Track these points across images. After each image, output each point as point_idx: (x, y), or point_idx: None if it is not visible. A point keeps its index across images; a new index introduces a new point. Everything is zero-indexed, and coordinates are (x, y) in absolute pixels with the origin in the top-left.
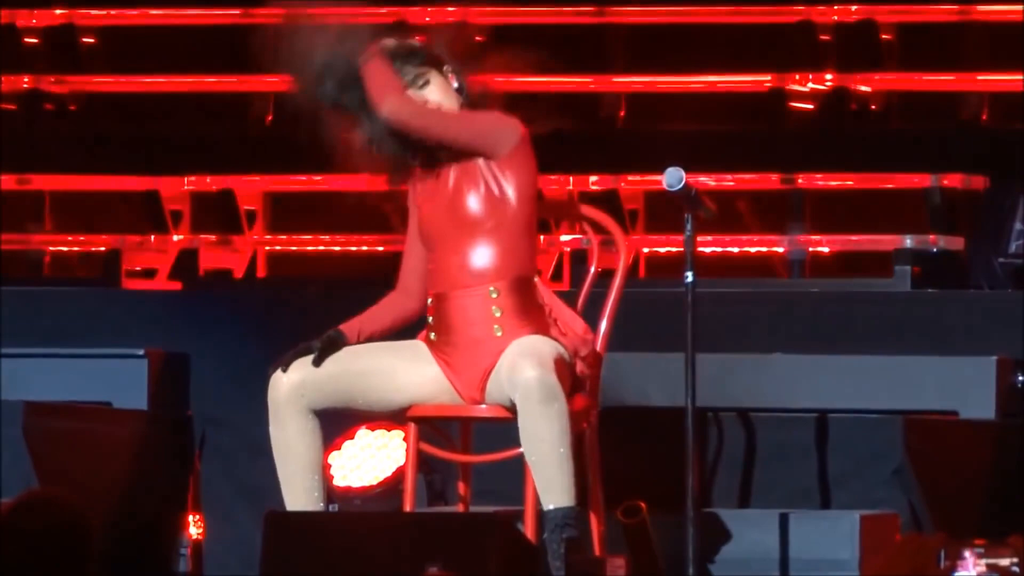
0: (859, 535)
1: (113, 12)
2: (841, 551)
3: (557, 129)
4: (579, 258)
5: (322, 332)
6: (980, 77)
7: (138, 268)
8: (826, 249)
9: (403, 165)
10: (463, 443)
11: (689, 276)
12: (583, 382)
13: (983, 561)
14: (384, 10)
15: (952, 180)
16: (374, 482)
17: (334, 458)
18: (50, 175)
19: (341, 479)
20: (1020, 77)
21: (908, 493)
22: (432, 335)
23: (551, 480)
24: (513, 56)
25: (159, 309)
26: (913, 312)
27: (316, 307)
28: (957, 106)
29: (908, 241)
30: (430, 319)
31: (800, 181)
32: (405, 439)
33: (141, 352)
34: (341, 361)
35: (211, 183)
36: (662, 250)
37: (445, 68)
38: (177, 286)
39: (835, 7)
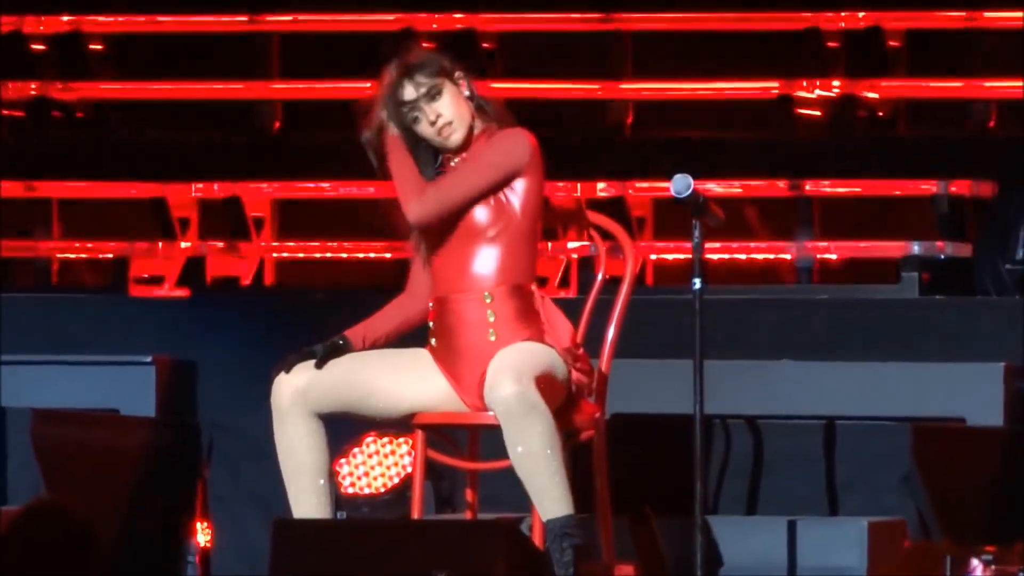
0: (867, 542)
1: (120, 19)
2: (849, 558)
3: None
4: (587, 265)
5: (329, 339)
6: (987, 84)
7: (146, 275)
8: (834, 256)
9: None
10: (470, 450)
11: (697, 283)
12: (581, 389)
13: (991, 568)
14: (392, 17)
15: (959, 187)
16: (382, 489)
17: (342, 465)
18: (58, 182)
19: (349, 486)
20: None
21: (916, 500)
22: (433, 340)
23: (544, 492)
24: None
25: (167, 316)
26: (921, 319)
27: (323, 314)
28: (965, 113)
29: (916, 248)
30: (431, 324)
31: (808, 188)
32: (412, 446)
33: (149, 359)
34: (344, 366)
35: (218, 190)
36: (670, 257)
37: (456, 75)
38: (185, 293)
39: (843, 14)
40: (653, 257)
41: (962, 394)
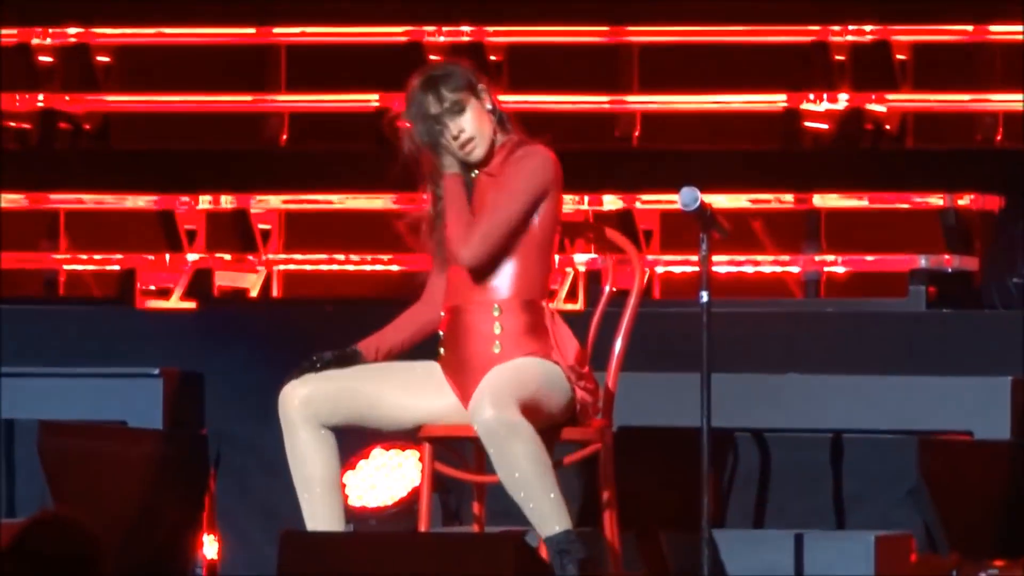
0: (874, 556)
1: (128, 31)
2: (856, 572)
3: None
4: (594, 278)
5: (340, 350)
6: (994, 97)
7: (153, 287)
8: (841, 269)
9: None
10: (477, 463)
11: (704, 296)
12: (586, 408)
13: None
14: (400, 29)
15: (966, 200)
16: (389, 502)
17: (349, 477)
18: (65, 194)
19: (356, 499)
20: None
21: (923, 514)
22: (441, 349)
23: (538, 510)
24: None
25: (174, 328)
26: (927, 332)
27: (331, 326)
28: (971, 126)
29: (923, 261)
30: (441, 333)
31: (815, 201)
32: (420, 459)
33: (156, 371)
34: (353, 377)
35: (226, 202)
36: (677, 270)
37: (480, 88)
38: (192, 305)
39: (850, 27)
40: (660, 270)
41: (969, 408)
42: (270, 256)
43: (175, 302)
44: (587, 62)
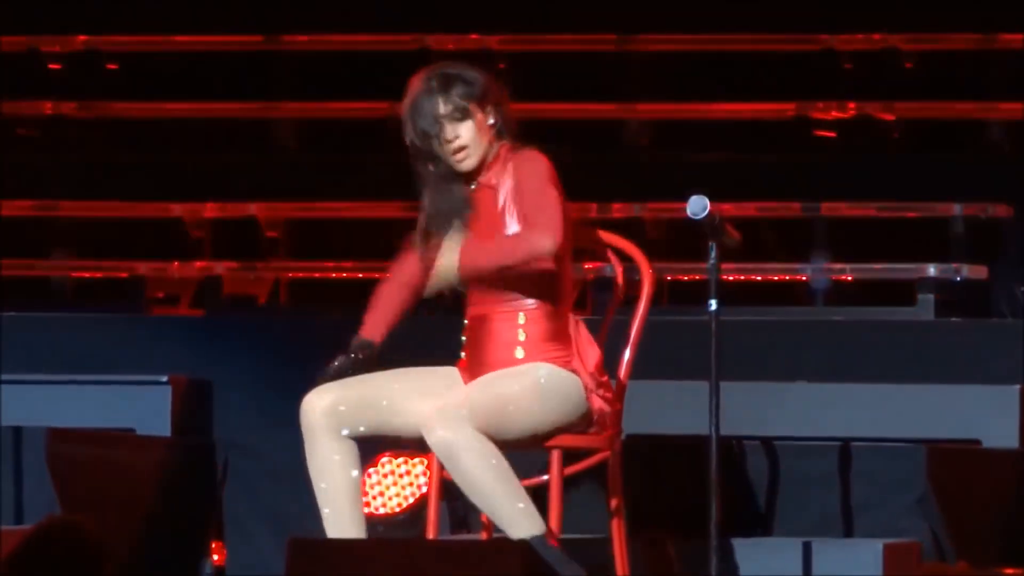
0: (882, 563)
1: (136, 39)
2: None
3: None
4: (603, 286)
5: (350, 346)
6: (1003, 106)
7: (161, 295)
8: (849, 277)
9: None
10: None
11: (713, 304)
12: (604, 417)
13: None
14: (408, 37)
15: (975, 209)
16: (396, 509)
17: None
18: (73, 201)
19: (363, 506)
20: None
21: (931, 522)
22: (463, 353)
23: (505, 518)
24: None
25: (182, 336)
26: (936, 340)
27: (339, 334)
28: (980, 135)
29: (931, 270)
30: (464, 338)
31: (823, 209)
32: (428, 467)
33: (164, 378)
34: (374, 384)
35: (234, 210)
36: (686, 278)
37: (488, 100)
38: (200, 313)
39: (858, 36)
40: (669, 278)
41: (977, 416)
42: (278, 264)
43: (183, 309)
44: (595, 70)
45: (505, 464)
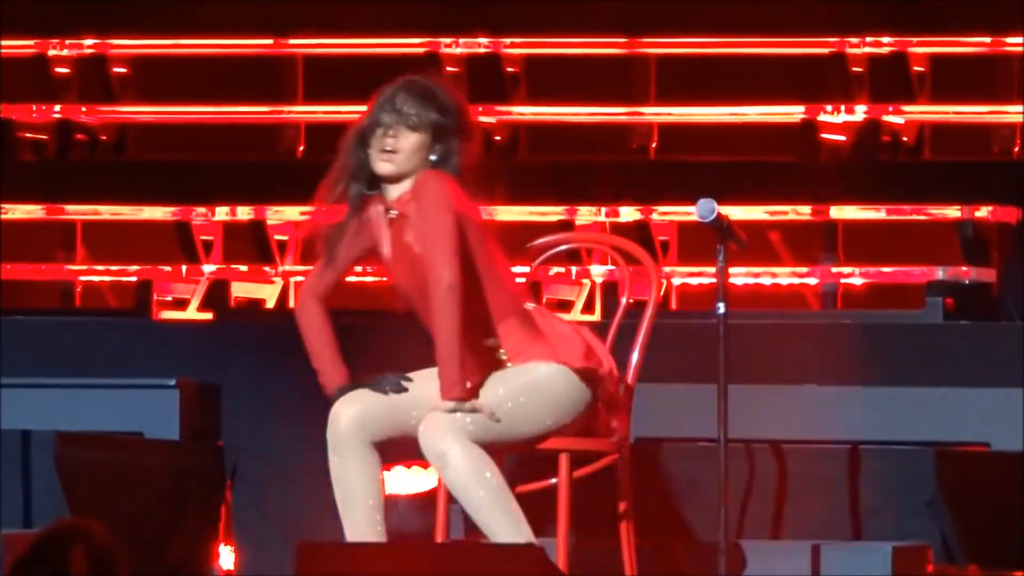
0: (891, 567)
1: (144, 42)
2: None
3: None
4: (611, 289)
5: (353, 362)
6: (1012, 109)
7: (169, 298)
8: (858, 281)
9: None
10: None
11: (721, 307)
12: (615, 400)
13: None
14: (417, 40)
15: (984, 212)
16: (419, 491)
17: None
18: (81, 205)
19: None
20: None
21: (940, 525)
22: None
23: (491, 529)
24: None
25: (190, 339)
26: (945, 344)
27: (348, 337)
28: (989, 138)
29: (940, 273)
30: None
31: (832, 213)
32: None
33: (173, 382)
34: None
35: (243, 213)
36: (694, 281)
37: (441, 143)
38: (209, 316)
39: (867, 39)
40: (677, 282)
41: (986, 419)
42: (287, 267)
43: (192, 313)
44: (604, 73)
45: (496, 478)
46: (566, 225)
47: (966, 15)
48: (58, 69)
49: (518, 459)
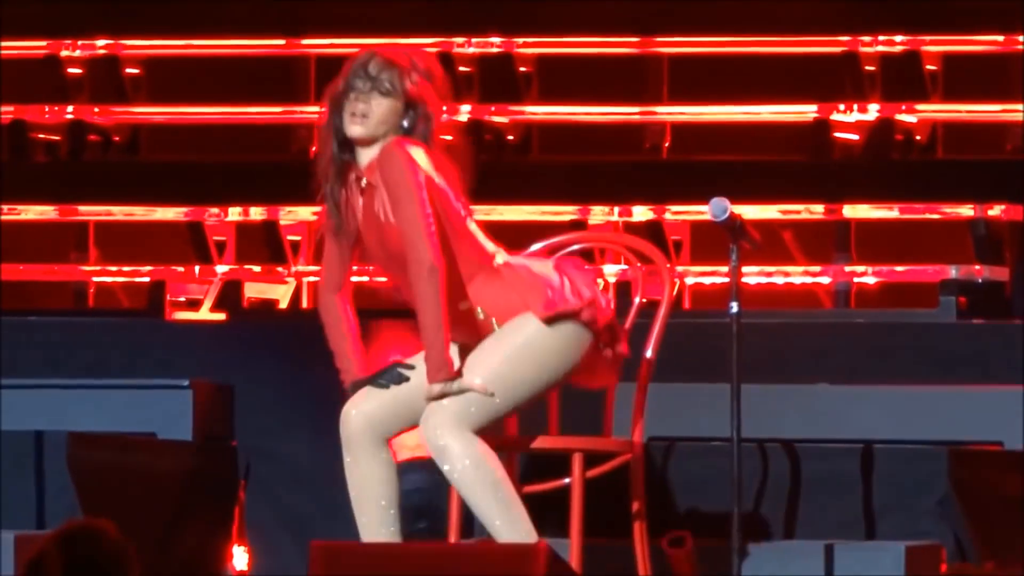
0: (904, 566)
1: (157, 43)
2: None
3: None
4: (624, 289)
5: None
6: None
7: (182, 299)
8: (871, 280)
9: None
10: (509, 474)
11: (734, 307)
12: (614, 330)
13: None
14: (430, 40)
15: (997, 211)
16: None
17: None
18: (94, 206)
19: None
20: None
21: (953, 524)
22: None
23: (491, 527)
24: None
25: (204, 340)
26: (958, 343)
27: (362, 338)
28: (1002, 137)
29: (953, 272)
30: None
31: (845, 212)
32: None
33: (186, 383)
34: (408, 384)
35: (255, 214)
36: (707, 281)
37: (413, 110)
38: (222, 317)
39: (880, 38)
40: (690, 281)
41: (999, 418)
42: (300, 267)
43: (205, 314)
44: (617, 72)
45: (496, 473)
46: (579, 225)
47: (979, 13)
48: (71, 70)
49: (529, 459)
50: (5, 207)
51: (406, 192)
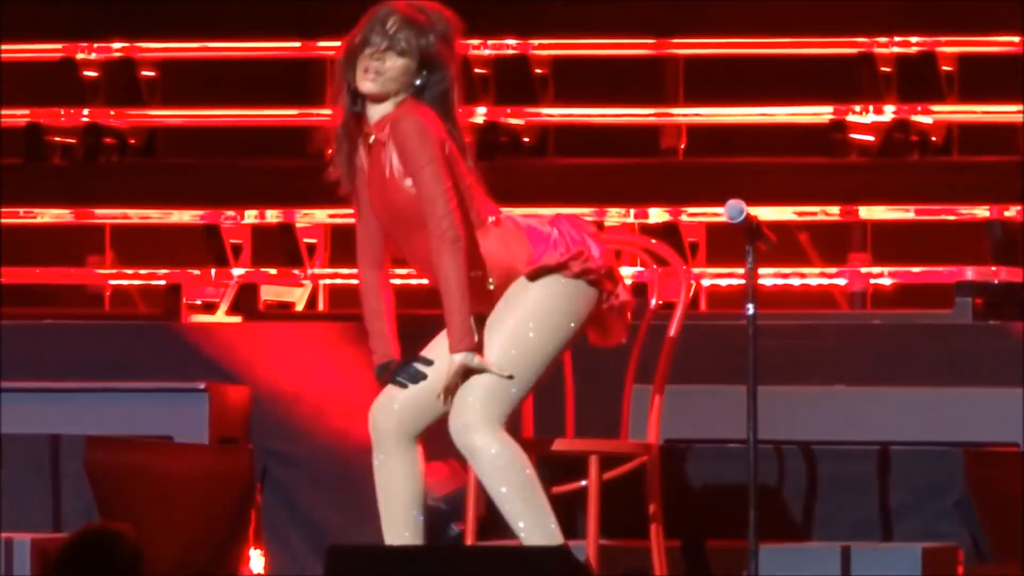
0: (921, 568)
1: (173, 45)
2: None
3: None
4: (640, 291)
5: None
6: None
7: (199, 302)
8: (887, 281)
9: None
10: None
11: (751, 308)
12: (610, 271)
13: None
14: None
15: (1013, 212)
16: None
17: None
18: (111, 209)
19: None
20: None
21: (970, 526)
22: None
23: (516, 527)
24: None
25: (220, 343)
26: (974, 344)
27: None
28: (1018, 138)
29: (969, 273)
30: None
31: (861, 213)
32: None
33: (202, 386)
34: (431, 377)
35: (272, 216)
36: (723, 283)
37: (428, 68)
38: (238, 320)
39: (895, 39)
40: (706, 283)
41: (1016, 420)
42: (316, 270)
43: (221, 317)
44: (633, 74)
45: (525, 472)
46: (595, 226)
47: (994, 15)
48: (86, 73)
49: (546, 462)
50: (21, 210)
51: (427, 164)
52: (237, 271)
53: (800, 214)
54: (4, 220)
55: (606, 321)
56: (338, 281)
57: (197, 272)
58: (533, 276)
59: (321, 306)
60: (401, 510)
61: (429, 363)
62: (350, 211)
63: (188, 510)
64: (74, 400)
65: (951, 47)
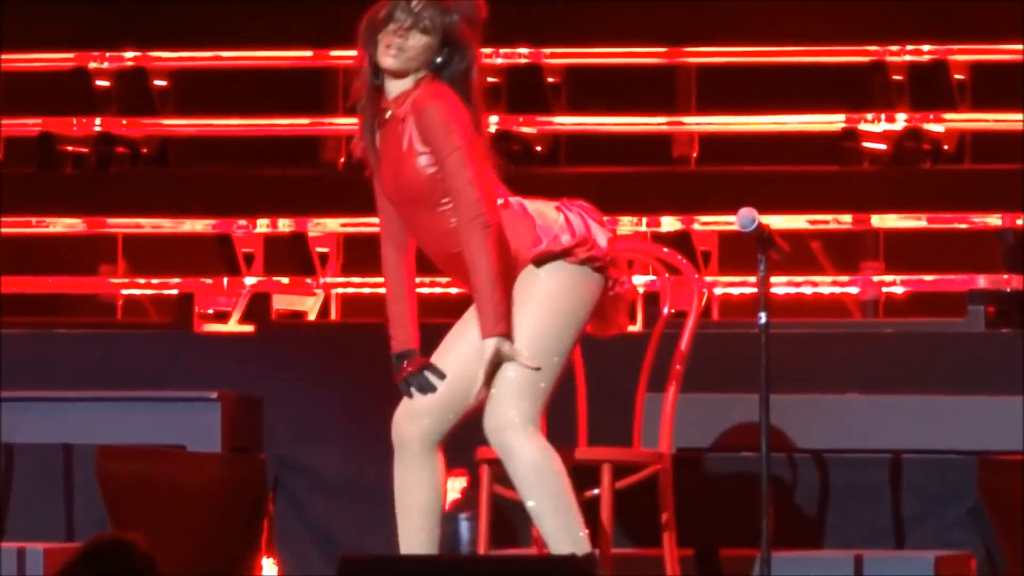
0: None
1: (185, 55)
2: None
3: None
4: (652, 299)
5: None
6: None
7: (211, 311)
8: (900, 289)
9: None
10: None
11: (763, 317)
12: (614, 262)
13: None
14: None
15: None
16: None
17: None
18: (123, 218)
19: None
20: None
21: (982, 534)
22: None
23: (544, 531)
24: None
25: (232, 352)
26: (987, 352)
27: (388, 349)
28: None
29: (982, 281)
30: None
31: (873, 221)
32: (467, 482)
33: (214, 395)
34: (451, 377)
35: (284, 226)
36: (735, 291)
37: (449, 47)
38: (250, 329)
39: (908, 47)
40: (719, 291)
41: None
42: (328, 279)
43: (233, 326)
44: (645, 83)
45: (558, 478)
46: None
47: (1006, 23)
48: (99, 82)
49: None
50: (34, 219)
51: (455, 150)
52: (249, 280)
53: (812, 223)
54: (17, 229)
55: (605, 310)
56: (350, 290)
57: (209, 281)
58: (538, 261)
59: (333, 315)
60: (417, 518)
61: (441, 375)
62: (362, 220)
63: (200, 519)
64: (86, 409)
65: (963, 55)
